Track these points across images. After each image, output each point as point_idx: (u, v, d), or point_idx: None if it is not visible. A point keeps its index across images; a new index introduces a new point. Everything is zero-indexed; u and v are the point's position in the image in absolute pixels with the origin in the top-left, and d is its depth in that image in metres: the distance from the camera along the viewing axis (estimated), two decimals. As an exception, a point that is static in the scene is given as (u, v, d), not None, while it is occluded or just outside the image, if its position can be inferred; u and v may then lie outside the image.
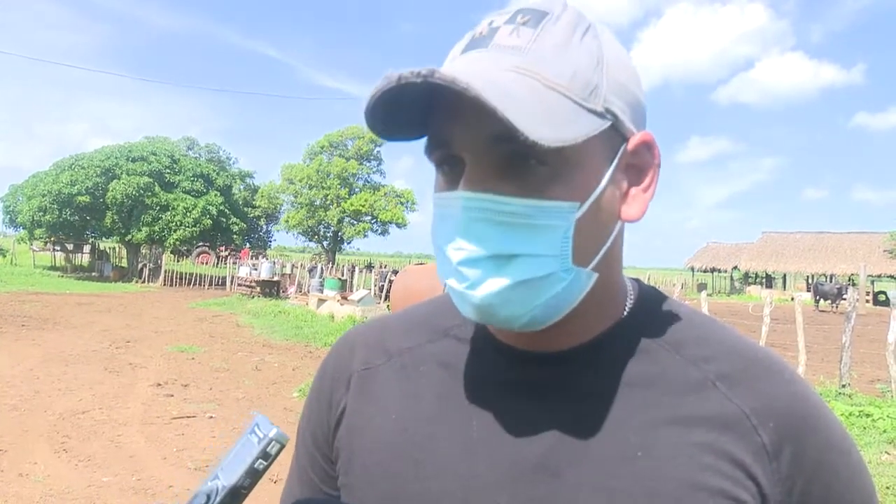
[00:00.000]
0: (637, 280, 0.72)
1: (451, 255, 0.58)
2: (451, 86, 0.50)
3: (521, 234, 0.56)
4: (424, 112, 0.59)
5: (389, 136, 0.60)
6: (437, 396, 0.68)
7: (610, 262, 0.63)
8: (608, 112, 0.58)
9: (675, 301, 0.71)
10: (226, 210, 30.66)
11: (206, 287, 26.44)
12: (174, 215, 28.24)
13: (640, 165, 0.63)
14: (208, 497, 0.69)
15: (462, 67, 0.57)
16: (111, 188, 27.21)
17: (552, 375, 0.64)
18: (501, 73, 0.55)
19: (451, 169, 0.60)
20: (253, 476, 0.69)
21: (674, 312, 0.68)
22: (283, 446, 0.71)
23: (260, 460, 0.69)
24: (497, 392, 0.66)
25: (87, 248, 33.03)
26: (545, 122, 0.53)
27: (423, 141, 0.62)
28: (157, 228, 28.10)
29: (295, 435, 0.81)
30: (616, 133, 0.60)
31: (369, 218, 41.19)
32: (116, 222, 28.23)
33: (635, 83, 0.62)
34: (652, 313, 0.68)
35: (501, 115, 0.50)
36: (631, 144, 0.61)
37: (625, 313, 0.67)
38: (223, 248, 36.42)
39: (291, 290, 21.99)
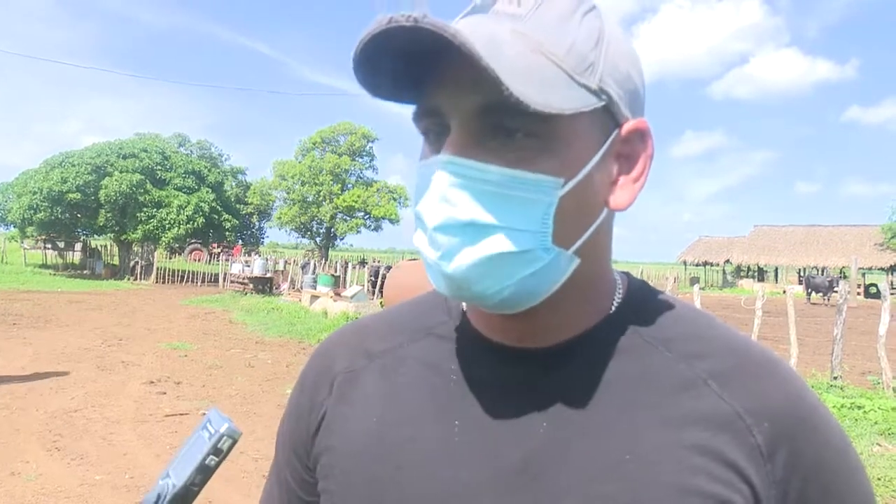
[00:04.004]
0: (627, 273, 0.70)
1: (427, 218, 0.56)
2: (440, 31, 0.48)
3: (502, 204, 0.54)
4: (415, 75, 0.57)
5: (377, 92, 0.58)
6: (418, 397, 0.65)
7: (595, 251, 0.61)
8: (602, 91, 0.56)
9: (667, 295, 0.68)
10: (218, 207, 30.50)
11: (199, 284, 26.34)
12: (168, 213, 28.10)
13: (631, 154, 0.60)
14: (159, 496, 0.68)
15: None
16: (104, 185, 27.01)
17: (536, 374, 0.62)
18: (497, 33, 0.53)
19: (437, 137, 0.58)
20: (204, 473, 0.68)
21: (665, 307, 0.66)
22: (234, 441, 0.69)
23: (211, 456, 0.68)
24: (480, 392, 0.63)
25: (78, 246, 32.84)
26: (533, 84, 0.51)
27: (413, 110, 0.60)
28: (151, 227, 27.95)
29: (276, 435, 0.80)
30: (609, 116, 0.58)
31: (362, 214, 41.11)
32: (110, 220, 28.06)
33: (635, 71, 0.60)
34: (641, 308, 0.65)
35: (485, 65, 0.48)
36: (624, 130, 0.59)
37: (612, 308, 0.65)
38: (216, 245, 36.28)
39: (284, 286, 21.92)
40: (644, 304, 0.66)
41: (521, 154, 0.55)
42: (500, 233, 0.54)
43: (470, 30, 0.51)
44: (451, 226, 0.55)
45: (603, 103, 0.56)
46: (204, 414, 0.69)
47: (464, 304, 0.69)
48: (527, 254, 0.55)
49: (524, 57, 0.52)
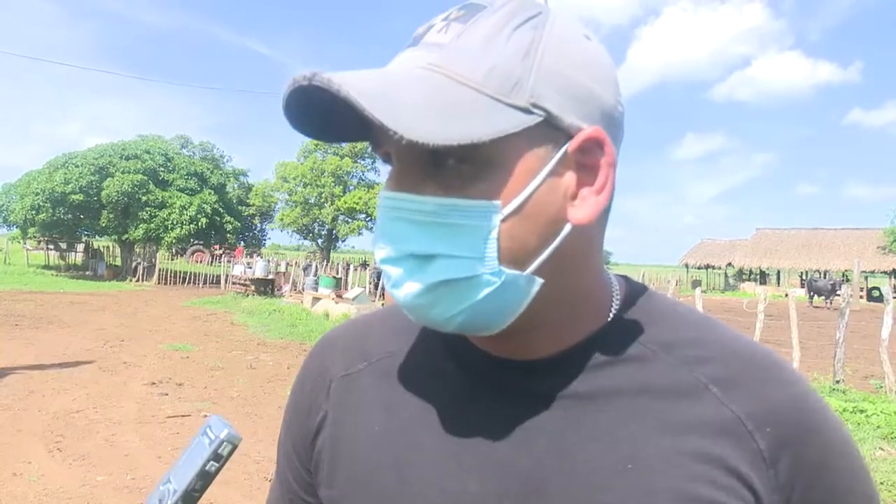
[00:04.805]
0: (625, 277, 0.69)
1: (376, 253, 0.57)
2: (325, 86, 0.49)
3: (440, 233, 0.54)
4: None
5: (320, 138, 0.60)
6: (421, 406, 0.65)
7: (570, 268, 0.59)
8: (536, 107, 0.53)
9: (668, 299, 0.67)
10: (220, 208, 30.59)
11: (201, 286, 26.37)
12: (170, 213, 28.16)
13: (591, 164, 0.57)
14: (160, 502, 0.68)
15: (378, 69, 0.56)
16: (106, 185, 27.09)
17: (536, 383, 0.61)
18: (408, 72, 0.54)
19: (391, 170, 0.59)
20: (204, 478, 0.69)
21: (665, 312, 0.65)
22: (234, 447, 0.70)
23: (211, 462, 0.69)
24: (480, 401, 0.63)
25: (80, 247, 32.90)
26: (439, 118, 0.51)
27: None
28: (153, 227, 28.01)
29: (278, 437, 0.80)
30: (555, 129, 0.55)
31: (364, 216, 41.15)
32: (112, 220, 28.12)
33: (591, 75, 0.57)
34: (641, 314, 0.64)
35: (368, 114, 0.48)
36: (576, 142, 0.55)
37: (611, 315, 0.64)
38: (217, 246, 36.34)
39: (286, 288, 21.92)
40: (643, 309, 0.65)
41: (454, 181, 0.54)
42: (440, 261, 0.54)
43: (372, 74, 0.53)
44: (393, 258, 0.56)
45: (540, 118, 0.54)
46: (206, 416, 0.70)
47: None
48: (472, 280, 0.54)
49: (434, 92, 0.52)
